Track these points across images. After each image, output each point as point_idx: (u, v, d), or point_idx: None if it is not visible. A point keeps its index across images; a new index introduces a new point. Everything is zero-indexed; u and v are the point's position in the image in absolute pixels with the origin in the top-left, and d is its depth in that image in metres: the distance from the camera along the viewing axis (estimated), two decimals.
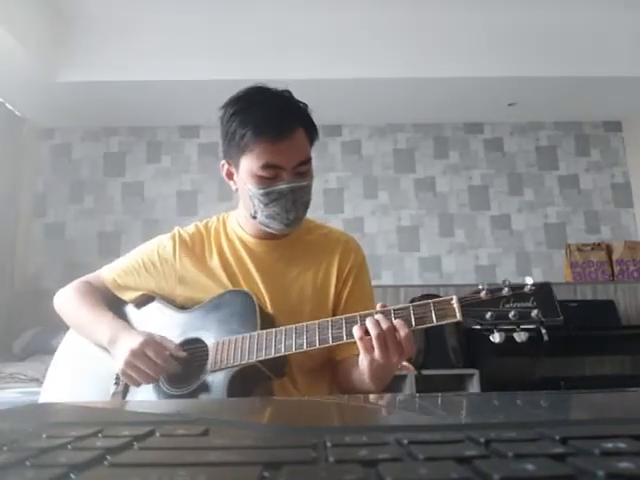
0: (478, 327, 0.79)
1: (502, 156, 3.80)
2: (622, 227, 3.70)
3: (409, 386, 2.94)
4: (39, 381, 2.42)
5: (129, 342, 0.93)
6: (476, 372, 3.00)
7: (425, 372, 2.97)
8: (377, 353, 0.80)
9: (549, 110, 3.67)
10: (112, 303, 1.10)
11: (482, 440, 0.23)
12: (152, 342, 0.94)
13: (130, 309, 1.11)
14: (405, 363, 3.11)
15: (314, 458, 0.21)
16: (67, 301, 1.10)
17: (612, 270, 3.55)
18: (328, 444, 0.23)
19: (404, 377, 2.96)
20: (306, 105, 1.00)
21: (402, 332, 0.80)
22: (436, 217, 3.69)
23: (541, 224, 3.69)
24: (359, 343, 0.82)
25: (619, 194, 3.75)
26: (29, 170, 3.60)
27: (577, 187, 3.75)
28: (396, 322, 0.81)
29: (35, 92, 3.17)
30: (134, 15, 3.10)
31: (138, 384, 0.95)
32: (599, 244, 3.59)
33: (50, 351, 1.16)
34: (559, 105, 3.58)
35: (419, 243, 3.65)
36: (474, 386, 2.99)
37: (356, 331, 0.82)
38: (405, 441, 0.23)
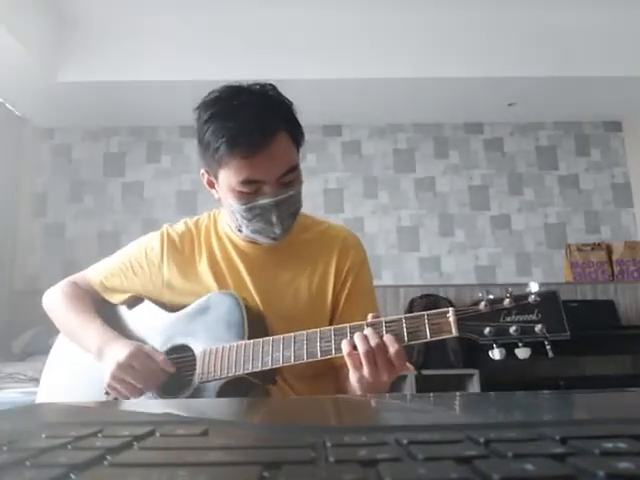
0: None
1: (502, 156, 3.80)
2: (622, 227, 3.70)
3: (409, 386, 2.94)
4: (39, 381, 2.41)
5: (116, 354, 0.90)
6: (476, 372, 3.00)
7: (425, 372, 2.97)
8: (366, 371, 0.76)
9: (549, 110, 3.67)
10: (100, 305, 1.07)
11: (482, 440, 0.23)
12: (140, 354, 0.90)
13: (119, 312, 1.08)
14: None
15: (313, 458, 0.21)
16: (55, 304, 1.08)
17: (612, 270, 3.55)
18: (327, 444, 0.23)
19: (404, 377, 2.96)
20: (290, 102, 0.91)
21: (392, 349, 0.75)
22: (436, 217, 3.69)
23: (541, 224, 3.69)
24: (347, 359, 0.77)
25: (619, 194, 3.75)
26: (29, 170, 3.60)
27: (577, 187, 3.75)
28: (386, 338, 0.76)
29: (35, 92, 3.17)
30: (134, 15, 3.10)
31: (126, 398, 0.91)
32: (599, 244, 3.59)
33: (49, 351, 1.16)
34: (559, 105, 3.58)
35: (419, 243, 3.65)
36: (474, 386, 2.99)
37: (344, 346, 0.77)
38: (404, 441, 0.23)
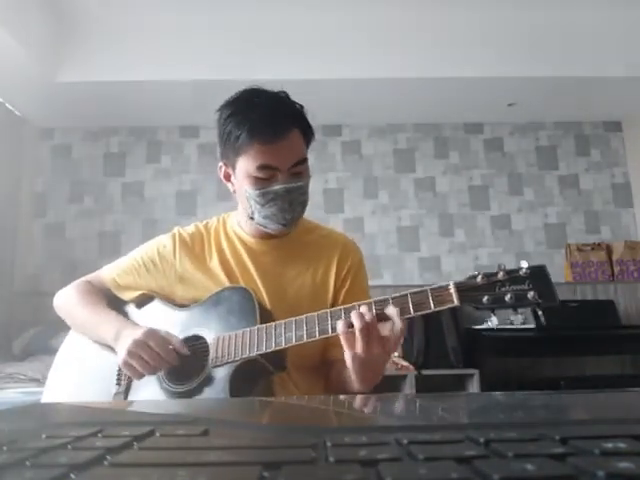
0: (475, 307, 0.79)
1: (502, 156, 3.80)
2: (622, 227, 3.70)
3: (409, 386, 2.94)
4: (39, 381, 2.42)
5: (132, 334, 0.94)
6: (476, 372, 3.00)
7: (425, 372, 2.97)
8: (359, 346, 0.80)
9: (549, 110, 3.67)
10: (113, 303, 1.10)
11: (482, 440, 0.23)
12: (155, 333, 0.95)
13: (130, 308, 1.11)
14: (405, 363, 3.11)
15: (314, 458, 0.21)
16: (68, 301, 1.11)
17: (612, 270, 3.55)
18: (328, 444, 0.23)
19: (404, 377, 2.96)
20: (302, 106, 1.00)
21: (391, 323, 0.81)
22: (436, 217, 3.69)
23: (541, 224, 3.69)
24: (342, 337, 0.81)
25: (619, 194, 3.75)
26: (29, 170, 3.60)
27: (577, 187, 3.76)
28: (390, 311, 0.81)
29: (35, 92, 3.17)
30: (134, 15, 3.10)
31: (139, 376, 0.95)
32: (599, 244, 3.59)
33: (50, 351, 1.16)
34: (559, 105, 3.58)
35: (419, 243, 3.65)
36: (474, 386, 2.99)
37: (340, 326, 0.81)
38: (405, 441, 0.23)
